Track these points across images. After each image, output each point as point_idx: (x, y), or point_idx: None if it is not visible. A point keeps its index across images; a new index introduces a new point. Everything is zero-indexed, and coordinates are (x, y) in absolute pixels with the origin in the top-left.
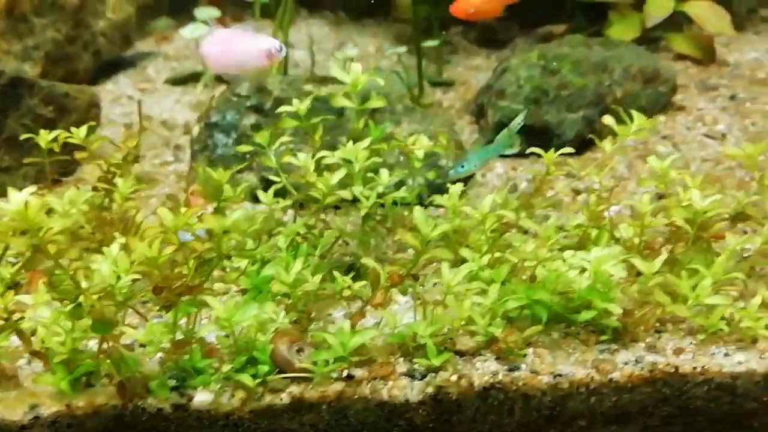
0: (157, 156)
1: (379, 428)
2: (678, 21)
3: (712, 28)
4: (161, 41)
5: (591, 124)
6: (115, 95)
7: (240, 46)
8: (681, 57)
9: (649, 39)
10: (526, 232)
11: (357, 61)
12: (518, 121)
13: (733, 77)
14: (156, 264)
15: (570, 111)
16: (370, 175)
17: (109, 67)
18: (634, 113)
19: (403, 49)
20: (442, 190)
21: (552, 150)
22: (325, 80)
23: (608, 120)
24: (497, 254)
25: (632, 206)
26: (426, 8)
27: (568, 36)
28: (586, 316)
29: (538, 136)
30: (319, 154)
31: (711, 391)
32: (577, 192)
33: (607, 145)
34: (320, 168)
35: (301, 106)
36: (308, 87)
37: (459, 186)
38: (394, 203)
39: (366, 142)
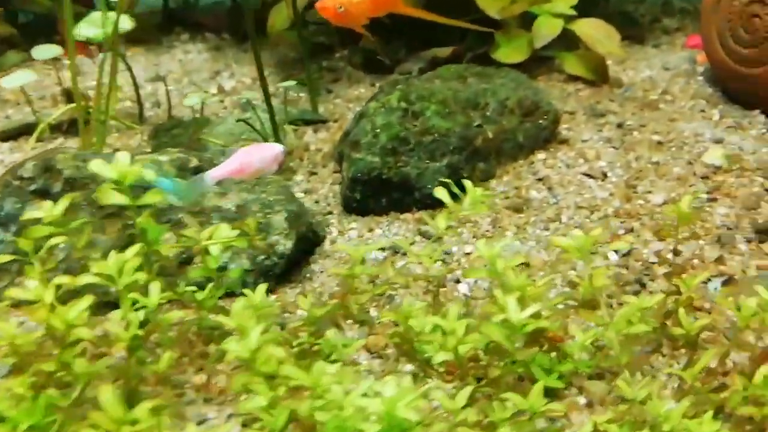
0: None
1: None
2: (573, 39)
3: (602, 49)
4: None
5: (457, 172)
6: None
7: (256, 159)
8: (573, 78)
9: (541, 58)
10: None
11: (229, 93)
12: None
13: (625, 100)
14: None
15: (433, 160)
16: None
17: None
18: (467, 184)
19: (291, 83)
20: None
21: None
22: (181, 124)
23: (440, 193)
24: None
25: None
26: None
27: (443, 67)
28: None
29: (397, 189)
30: (57, 279)
31: None
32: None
33: (441, 221)
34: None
35: (55, 209)
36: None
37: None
38: None
39: (135, 248)
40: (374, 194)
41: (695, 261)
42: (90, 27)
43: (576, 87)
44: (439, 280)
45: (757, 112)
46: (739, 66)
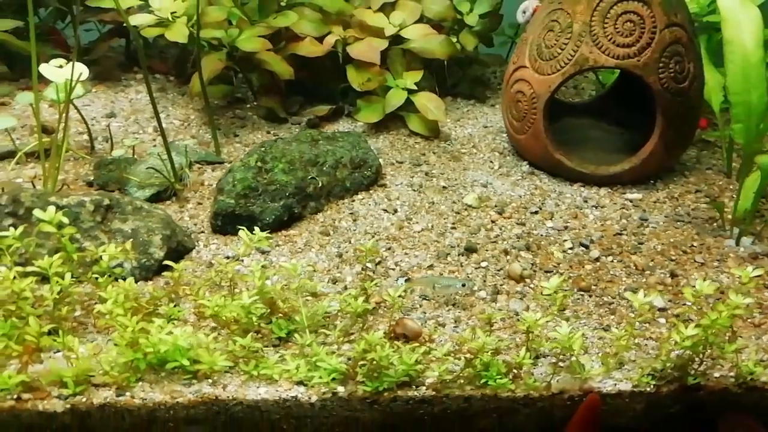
0: None
1: None
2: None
3: (431, 116)
4: None
5: (290, 210)
6: None
7: None
8: (415, 133)
9: (396, 116)
10: None
11: (157, 136)
12: None
13: (443, 152)
14: None
15: (273, 201)
16: None
17: None
18: (246, 233)
19: (190, 141)
20: None
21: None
22: (115, 161)
23: (242, 233)
24: None
25: None
26: (222, 89)
27: (303, 132)
28: None
29: (246, 220)
30: (16, 268)
31: None
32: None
33: (243, 247)
34: None
35: (17, 232)
36: (54, 200)
37: None
38: None
39: (60, 254)
40: (230, 223)
41: (415, 266)
42: (50, 72)
43: (415, 141)
44: (232, 277)
45: (524, 162)
46: (513, 132)
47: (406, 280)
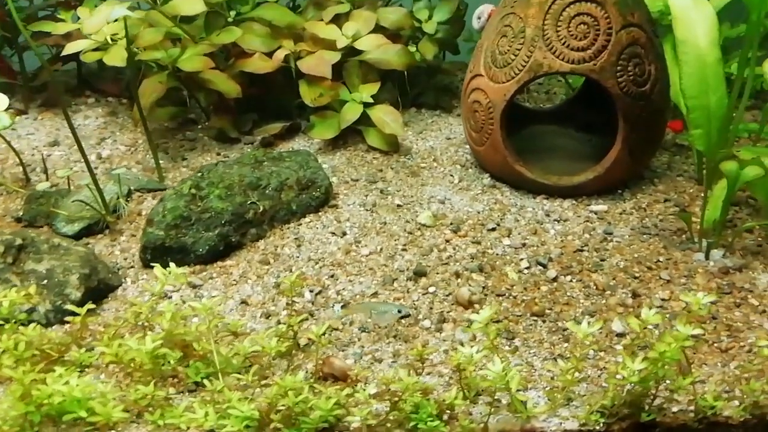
0: None
1: None
2: None
3: (388, 130)
4: None
5: (226, 238)
6: None
7: None
8: (373, 148)
9: (353, 131)
10: None
11: (104, 161)
12: None
13: (401, 167)
14: None
15: (207, 231)
16: None
17: None
18: (162, 269)
19: (123, 170)
20: None
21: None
22: (45, 194)
23: (157, 270)
24: None
25: None
26: (170, 110)
27: (246, 154)
28: None
29: (178, 252)
30: None
31: None
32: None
33: (161, 284)
34: None
35: None
36: None
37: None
38: None
39: None
40: (160, 256)
41: (359, 294)
42: None
43: (373, 156)
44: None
45: (487, 175)
46: (473, 144)
47: (342, 307)
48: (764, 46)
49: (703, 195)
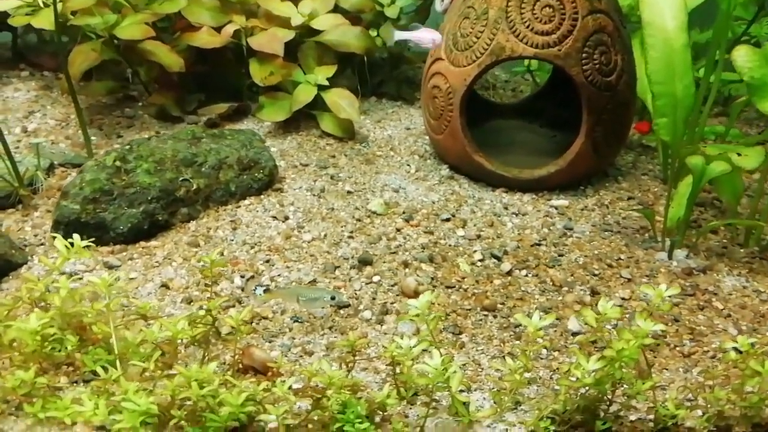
0: None
1: None
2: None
3: (343, 114)
4: None
5: (152, 216)
6: None
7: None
8: (327, 134)
9: (306, 115)
10: None
11: (29, 134)
12: None
13: (355, 155)
14: None
15: (131, 207)
16: None
17: None
18: (76, 239)
19: (42, 140)
20: None
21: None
22: None
23: (59, 243)
24: None
25: None
26: (107, 85)
27: (184, 129)
28: None
29: (95, 230)
30: None
31: None
32: None
33: (60, 260)
34: None
35: None
36: None
37: None
38: None
39: None
40: (75, 232)
41: (295, 282)
42: None
43: (327, 142)
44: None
45: (446, 166)
46: (432, 132)
47: (264, 291)
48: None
49: (667, 194)
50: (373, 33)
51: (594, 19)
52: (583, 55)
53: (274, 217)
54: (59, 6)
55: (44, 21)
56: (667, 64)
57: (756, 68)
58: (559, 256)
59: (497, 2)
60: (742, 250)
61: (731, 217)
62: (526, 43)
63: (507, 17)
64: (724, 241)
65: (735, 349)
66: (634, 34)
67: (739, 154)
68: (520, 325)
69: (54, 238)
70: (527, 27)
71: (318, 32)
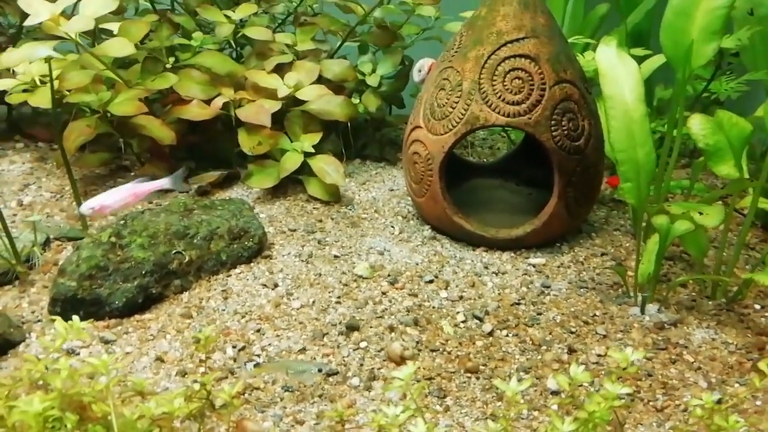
0: None
1: None
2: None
3: (329, 180)
4: None
5: (146, 289)
6: None
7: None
8: (314, 198)
9: (294, 181)
10: None
11: (25, 208)
12: None
13: (341, 218)
14: None
15: (125, 282)
16: None
17: None
18: (76, 321)
19: (38, 217)
20: None
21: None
22: None
23: (58, 325)
24: None
25: None
26: (101, 156)
27: (176, 199)
28: None
29: (91, 305)
30: None
31: None
32: None
33: (59, 339)
34: None
35: None
36: None
37: None
38: None
39: None
40: (72, 309)
41: (285, 350)
42: None
43: (314, 206)
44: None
45: (428, 227)
46: (414, 195)
47: (255, 366)
48: (695, 109)
49: (636, 250)
50: (356, 100)
51: (561, 88)
52: (552, 122)
53: (264, 285)
54: (55, 83)
55: (42, 99)
56: (629, 133)
57: (709, 135)
58: (538, 314)
59: (470, 75)
60: (710, 303)
61: (698, 270)
62: (499, 113)
63: (480, 89)
64: (693, 294)
65: (699, 406)
66: (599, 98)
67: (701, 213)
68: None
69: (53, 320)
70: (499, 97)
71: (303, 102)
